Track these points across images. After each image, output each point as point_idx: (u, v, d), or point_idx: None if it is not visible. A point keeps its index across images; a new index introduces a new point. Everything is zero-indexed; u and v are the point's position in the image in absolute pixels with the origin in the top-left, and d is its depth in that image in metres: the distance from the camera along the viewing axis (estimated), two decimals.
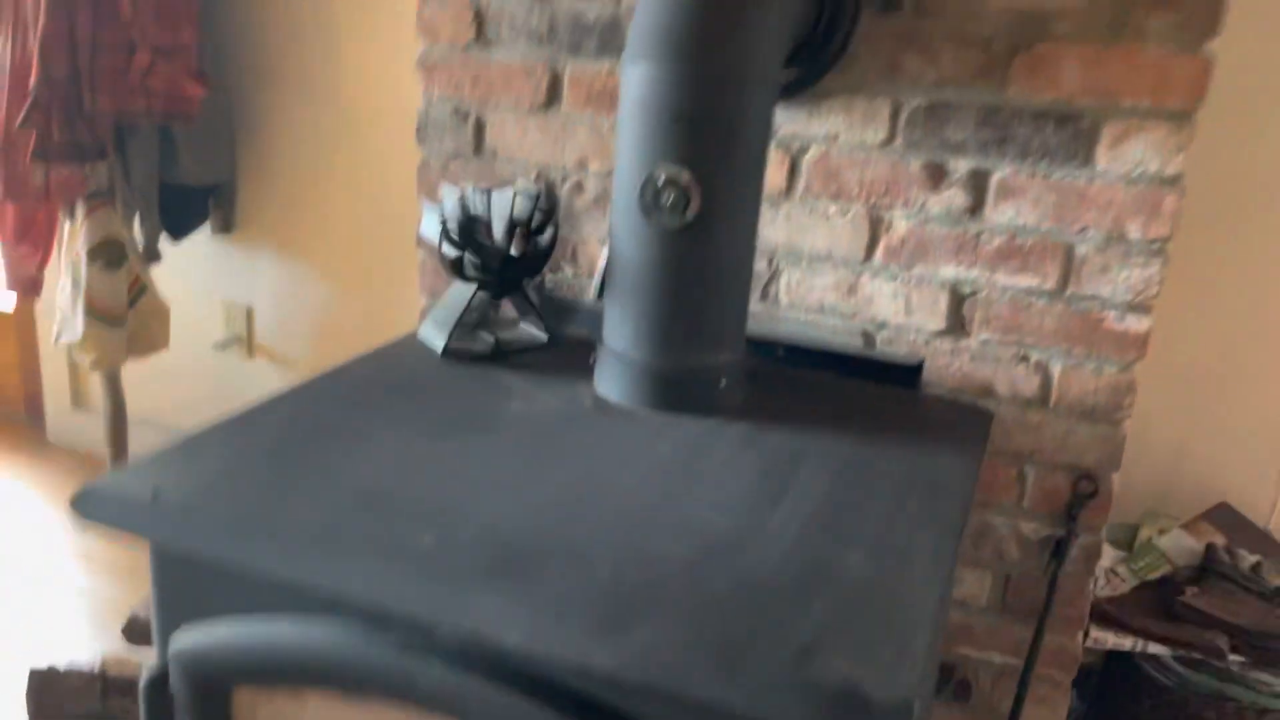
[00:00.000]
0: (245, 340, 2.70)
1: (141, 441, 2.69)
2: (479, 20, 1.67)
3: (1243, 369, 1.93)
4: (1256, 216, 1.85)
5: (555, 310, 1.68)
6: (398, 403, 1.28)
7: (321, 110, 2.44)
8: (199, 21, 2.28)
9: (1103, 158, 1.41)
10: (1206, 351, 1.95)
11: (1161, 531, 1.92)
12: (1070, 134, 1.42)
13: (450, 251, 1.40)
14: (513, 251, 1.40)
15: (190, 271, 2.67)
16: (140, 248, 2.44)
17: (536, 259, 1.46)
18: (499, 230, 1.41)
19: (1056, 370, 1.51)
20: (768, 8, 1.23)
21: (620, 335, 1.32)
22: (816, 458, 1.22)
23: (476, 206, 1.40)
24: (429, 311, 1.51)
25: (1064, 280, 1.47)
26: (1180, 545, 1.89)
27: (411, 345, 1.49)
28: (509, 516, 1.00)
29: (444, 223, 1.39)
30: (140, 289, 2.47)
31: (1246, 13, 1.60)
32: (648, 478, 1.12)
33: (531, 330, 1.52)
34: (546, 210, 1.46)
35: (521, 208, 1.40)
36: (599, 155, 1.65)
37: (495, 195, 1.41)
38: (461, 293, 1.43)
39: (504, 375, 1.40)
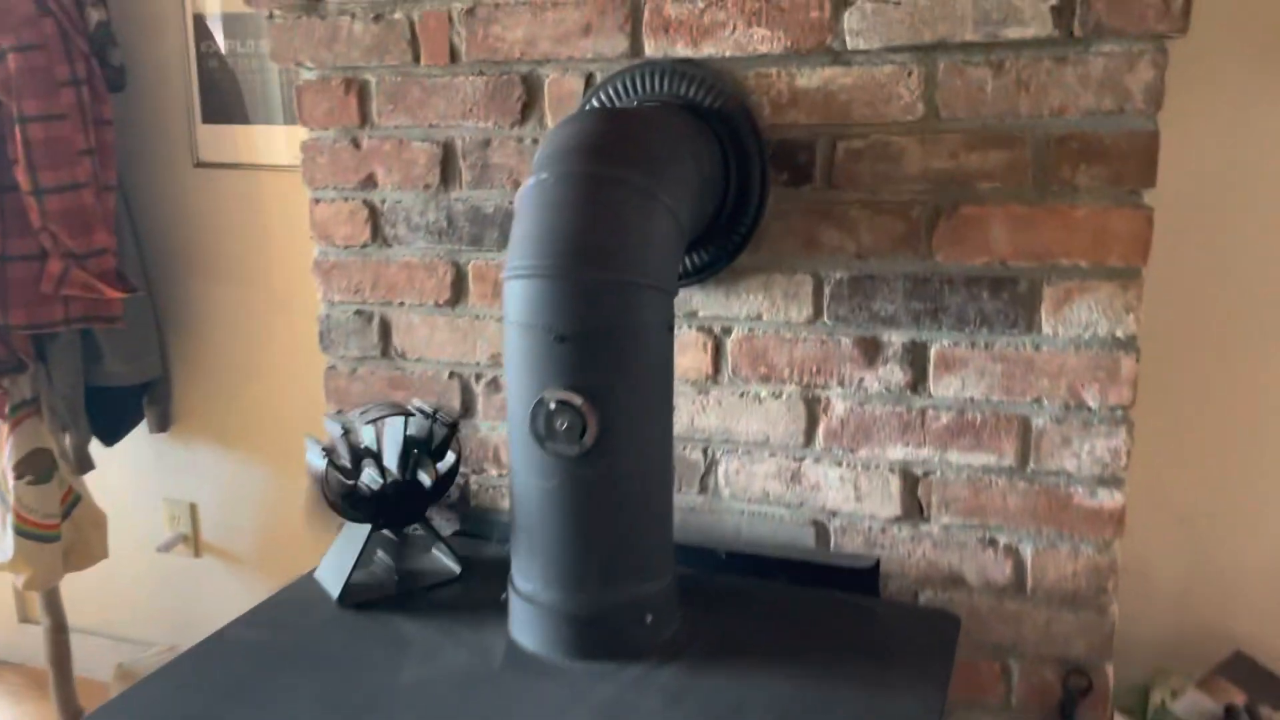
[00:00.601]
0: (191, 539, 2.56)
1: (89, 655, 2.54)
2: (373, 219, 1.57)
3: (1243, 504, 1.77)
4: (1247, 342, 1.71)
5: (477, 522, 1.54)
6: (282, 675, 1.14)
7: (254, 298, 2.34)
8: (116, 221, 2.20)
9: (1047, 322, 1.29)
10: (1204, 488, 1.79)
11: (1175, 694, 1.73)
12: (1007, 299, 1.30)
13: (338, 488, 1.27)
14: (411, 478, 1.27)
15: (128, 473, 2.54)
16: (71, 456, 2.32)
17: (438, 485, 1.32)
18: (392, 458, 1.28)
19: (1029, 553, 1.36)
20: (653, 205, 1.12)
21: (528, 575, 1.18)
22: (758, 710, 1.06)
23: (364, 436, 1.28)
24: (330, 549, 1.37)
25: (1023, 456, 1.33)
26: (1198, 709, 1.70)
27: (311, 588, 1.35)
28: None
29: (329, 457, 1.26)
30: (74, 499, 2.34)
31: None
32: None
33: (443, 560, 1.37)
34: (448, 427, 1.33)
35: (416, 430, 1.28)
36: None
37: (387, 422, 1.28)
38: (355, 534, 1.29)
39: (406, 624, 1.25)
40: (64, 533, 2.30)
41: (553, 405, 1.09)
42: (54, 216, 2.10)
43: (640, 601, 1.17)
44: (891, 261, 1.33)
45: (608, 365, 1.10)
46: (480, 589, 1.33)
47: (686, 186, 1.19)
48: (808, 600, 1.33)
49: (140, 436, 2.48)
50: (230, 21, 2.17)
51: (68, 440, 2.33)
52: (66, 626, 2.42)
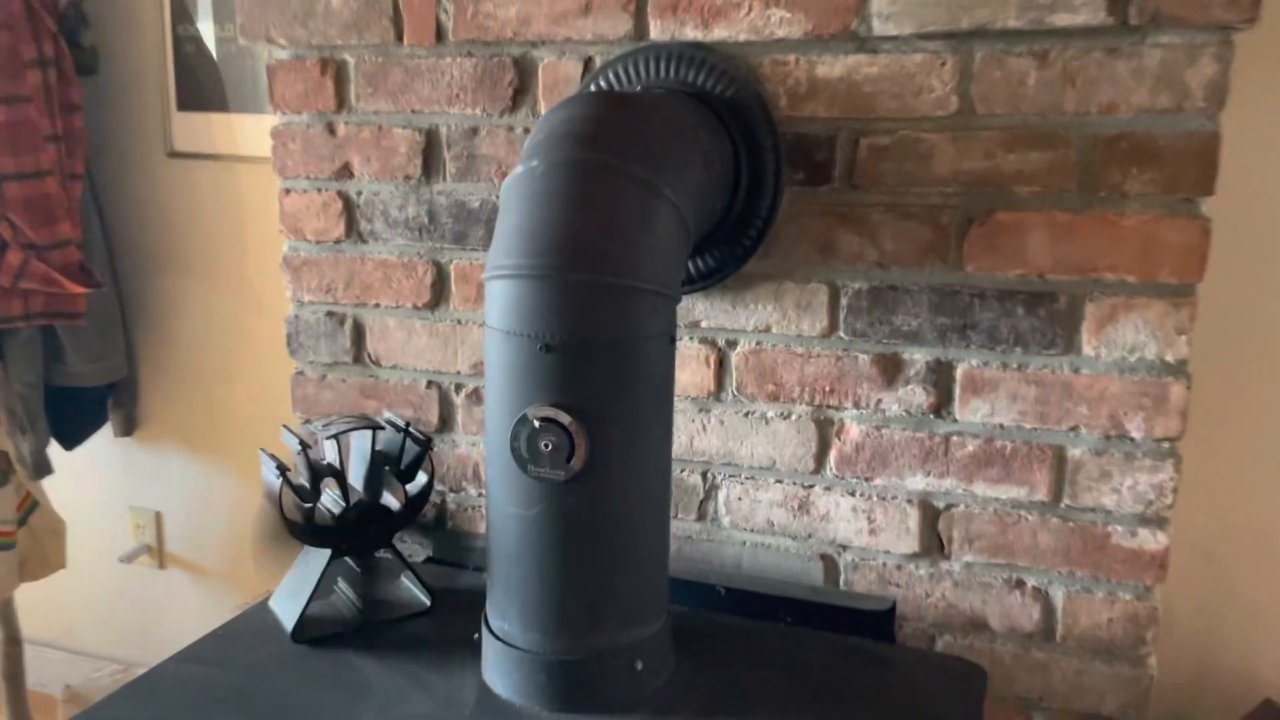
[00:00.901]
0: (155, 550, 2.43)
1: (43, 669, 2.40)
2: (348, 212, 1.44)
3: (1271, 539, 1.64)
4: (1266, 363, 1.59)
5: (453, 547, 1.40)
6: None
7: (228, 297, 2.21)
8: (82, 212, 2.07)
9: (1088, 343, 1.16)
10: (1228, 524, 1.66)
11: None
12: (1045, 316, 1.17)
13: (295, 510, 1.14)
14: (377, 500, 1.14)
15: (90, 479, 2.41)
16: (28, 460, 2.18)
17: (407, 509, 1.19)
18: (357, 477, 1.15)
19: (1059, 597, 1.23)
20: (657, 200, 1.00)
21: (504, 614, 1.04)
22: None
23: (325, 451, 1.14)
24: (286, 576, 1.23)
25: (1057, 490, 1.20)
26: None
27: (264, 618, 1.21)
28: None
29: (284, 474, 1.12)
30: (31, 505, 2.20)
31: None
32: None
33: (412, 590, 1.24)
34: (420, 444, 1.20)
35: (385, 446, 1.14)
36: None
37: (353, 436, 1.15)
38: (313, 561, 1.15)
39: (366, 664, 1.11)
40: (20, 540, 2.16)
41: (537, 423, 0.96)
42: (14, 204, 1.97)
43: (629, 647, 1.04)
44: (917, 271, 1.20)
45: (600, 379, 0.97)
46: (452, 624, 1.19)
47: (693, 182, 1.06)
48: (815, 645, 1.20)
49: (104, 440, 2.36)
50: (220, 4, 2.05)
51: (25, 443, 2.19)
52: (21, 639, 2.29)
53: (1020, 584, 1.24)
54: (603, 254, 0.96)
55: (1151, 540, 1.18)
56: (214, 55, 2.10)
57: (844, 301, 1.24)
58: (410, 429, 1.18)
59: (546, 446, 0.96)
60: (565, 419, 0.95)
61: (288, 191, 1.47)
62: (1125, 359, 1.15)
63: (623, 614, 1.03)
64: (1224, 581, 1.68)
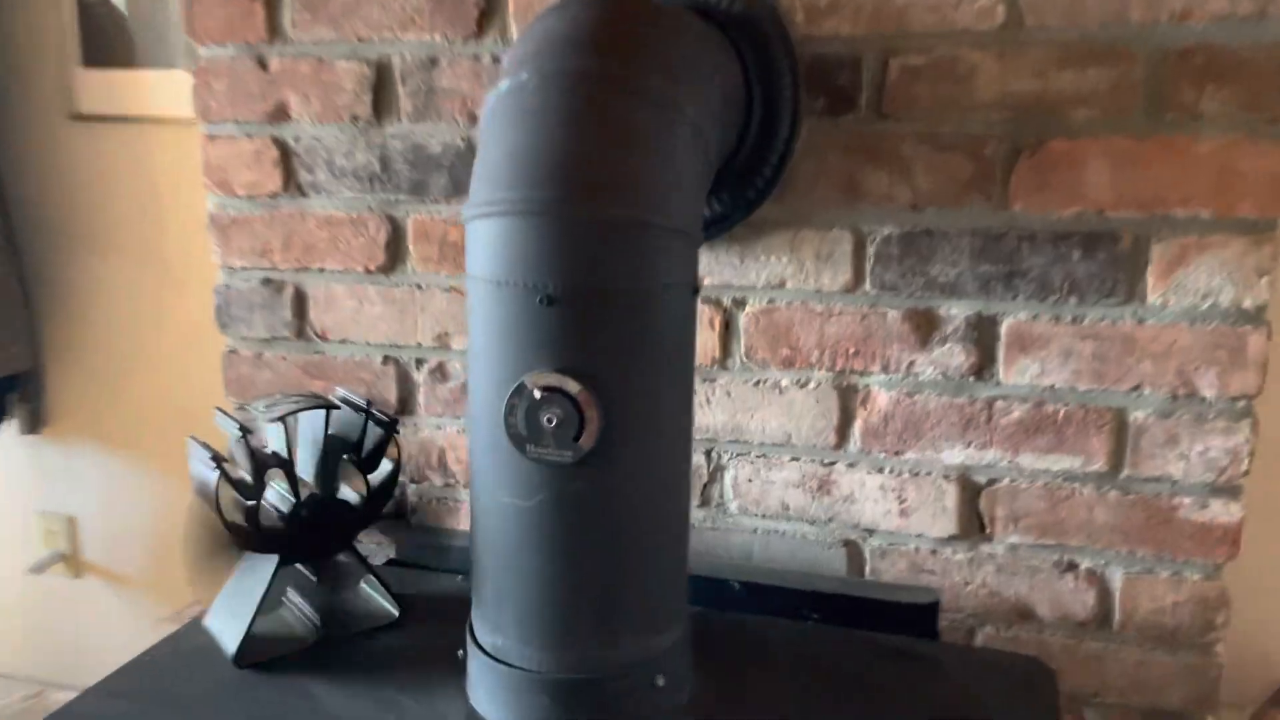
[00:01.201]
0: (70, 558, 2.19)
1: None
2: (285, 161, 1.24)
3: None
4: None
5: (419, 546, 1.22)
6: None
7: (144, 275, 1.98)
8: None
9: (1154, 290, 1.02)
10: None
11: None
12: (1105, 260, 1.02)
13: (235, 509, 0.94)
14: (334, 493, 0.95)
15: None
16: None
17: (371, 503, 1.00)
18: (308, 467, 0.96)
19: (1117, 580, 1.09)
20: (677, 120, 0.82)
21: (496, 625, 0.86)
22: None
23: (269, 437, 0.95)
24: (225, 588, 1.03)
25: (1116, 459, 1.06)
26: None
27: (200, 639, 1.02)
28: None
29: (220, 466, 0.93)
30: None
31: None
32: None
33: (376, 599, 1.05)
34: (383, 425, 1.01)
35: (341, 429, 0.96)
36: (465, 327, 1.22)
37: (302, 418, 0.96)
38: (258, 569, 0.96)
39: (326, 691, 0.93)
40: None
41: (537, 394, 0.78)
42: None
43: (649, 660, 0.87)
44: (955, 213, 1.05)
45: (615, 338, 0.80)
46: (426, 638, 1.01)
47: (714, 101, 0.89)
48: (850, 645, 1.04)
49: (8, 439, 2.11)
50: None
51: None
52: None
53: (1073, 566, 1.10)
54: (618, 183, 0.78)
55: (1224, 512, 1.04)
56: (121, 3, 1.87)
57: (871, 250, 1.08)
58: (372, 409, 0.99)
59: (550, 422, 0.78)
60: (573, 387, 0.78)
61: (212, 138, 1.26)
62: (1196, 307, 1.01)
63: (641, 621, 0.86)
64: (1235, 564, 1.56)
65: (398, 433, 1.03)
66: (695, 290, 0.85)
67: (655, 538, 0.86)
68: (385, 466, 1.03)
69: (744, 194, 1.07)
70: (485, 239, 0.80)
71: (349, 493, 1.02)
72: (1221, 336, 1.01)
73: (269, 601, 0.97)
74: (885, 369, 1.10)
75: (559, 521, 0.82)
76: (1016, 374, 1.07)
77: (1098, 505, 1.08)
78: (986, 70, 1.01)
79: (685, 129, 0.83)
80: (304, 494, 0.97)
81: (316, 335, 1.28)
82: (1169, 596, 1.08)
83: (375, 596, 1.05)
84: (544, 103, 0.80)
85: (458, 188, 1.19)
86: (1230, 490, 1.04)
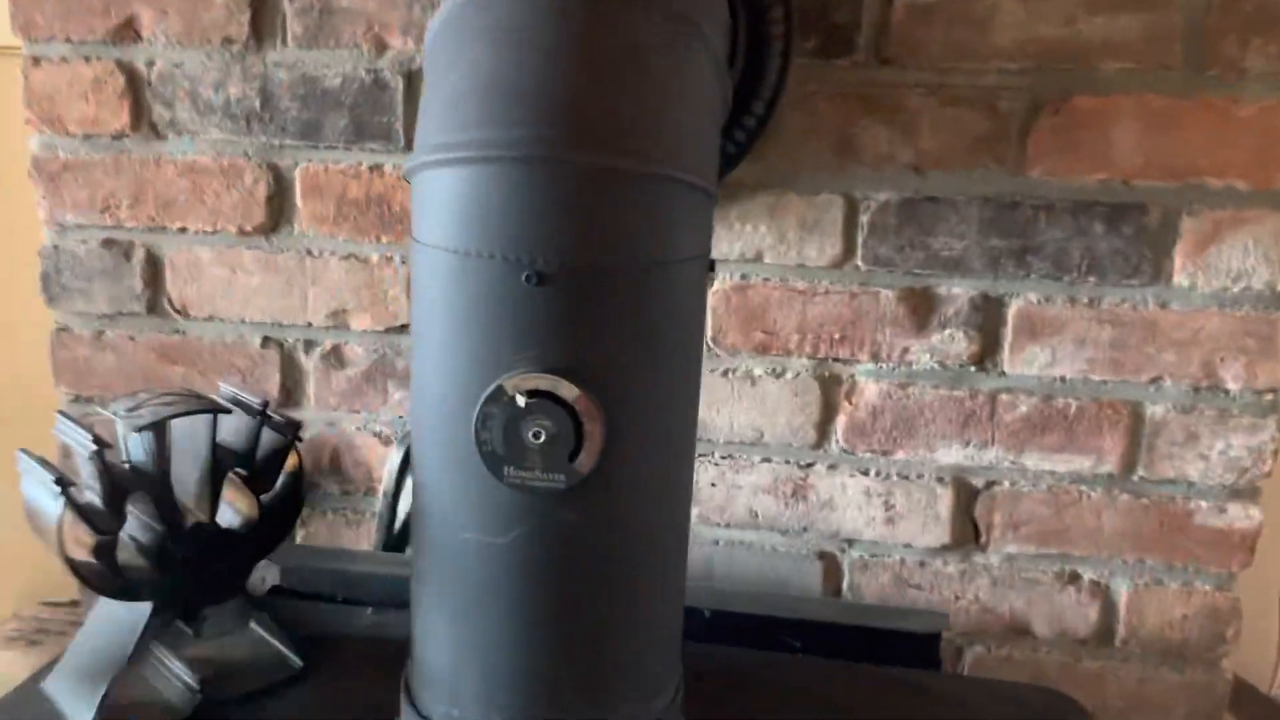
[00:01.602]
0: None
1: None
2: (135, 93, 0.99)
3: None
4: None
5: (306, 571, 1.00)
6: None
7: None
8: None
9: (1182, 269, 0.90)
10: None
11: None
12: (1130, 235, 0.90)
13: (82, 547, 0.71)
14: (217, 523, 0.73)
15: None
16: None
17: (268, 529, 0.78)
18: (186, 487, 0.73)
19: (1122, 592, 0.98)
20: (696, 46, 0.63)
21: (450, 696, 0.67)
22: None
23: (130, 448, 0.72)
24: (74, 642, 0.79)
25: (1129, 459, 0.95)
26: None
27: (40, 709, 0.78)
28: None
29: (65, 491, 0.69)
30: None
31: None
32: None
33: (272, 646, 0.83)
34: (282, 431, 0.79)
35: (230, 436, 0.73)
36: (368, 303, 1.00)
37: (176, 425, 0.73)
38: (121, 620, 0.73)
39: None
40: None
41: (521, 402, 0.59)
42: None
43: None
44: (964, 177, 0.91)
45: (622, 329, 0.61)
46: (338, 694, 0.80)
47: (724, 23, 0.71)
48: (844, 679, 0.89)
49: None
50: None
51: None
52: None
53: (1075, 578, 0.98)
54: (626, 122, 0.59)
55: (1243, 516, 0.95)
56: None
57: (864, 219, 0.93)
58: (269, 411, 0.77)
59: (538, 437, 0.59)
60: (569, 392, 0.59)
61: (37, 61, 0.99)
62: (1227, 289, 0.90)
63: (641, 680, 0.68)
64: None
65: (300, 439, 0.81)
66: (711, 265, 0.67)
67: (658, 579, 0.68)
68: (281, 480, 0.81)
69: (721, 149, 0.89)
70: (444, 195, 0.60)
71: (234, 516, 0.79)
72: (1251, 323, 0.90)
73: (134, 660, 0.74)
74: (875, 357, 0.95)
75: (542, 562, 0.63)
76: (1024, 363, 0.94)
77: (1106, 510, 0.96)
78: (1007, 11, 0.87)
79: (705, 54, 0.64)
80: (187, 522, 0.74)
81: (175, 311, 1.03)
82: (1178, 608, 0.98)
83: (269, 641, 0.83)
84: (524, 18, 0.60)
85: (361, 132, 0.96)
86: (1250, 492, 0.94)
